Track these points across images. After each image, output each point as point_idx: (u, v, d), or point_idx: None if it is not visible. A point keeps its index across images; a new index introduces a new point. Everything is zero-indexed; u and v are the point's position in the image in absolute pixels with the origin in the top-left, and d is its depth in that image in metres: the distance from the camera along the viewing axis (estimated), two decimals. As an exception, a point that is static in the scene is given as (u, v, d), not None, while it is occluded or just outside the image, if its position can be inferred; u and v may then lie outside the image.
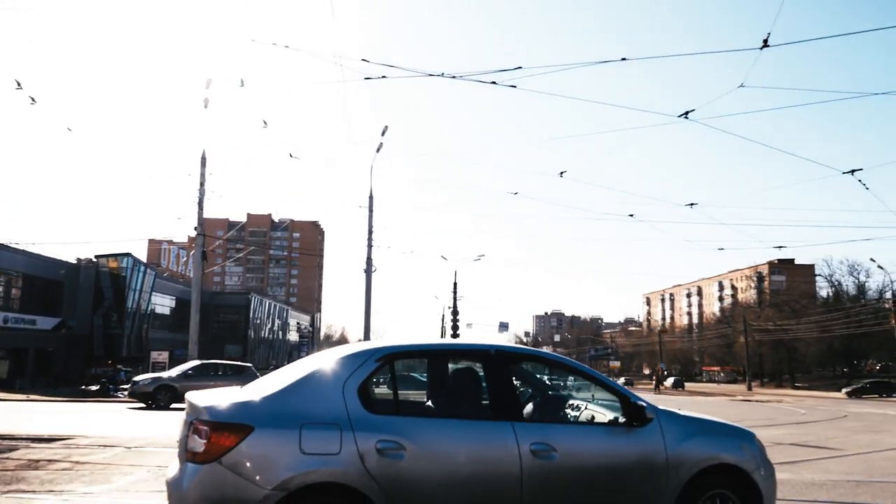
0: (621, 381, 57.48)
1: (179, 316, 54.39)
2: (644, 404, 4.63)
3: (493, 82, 11.02)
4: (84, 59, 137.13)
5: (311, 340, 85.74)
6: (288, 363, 6.62)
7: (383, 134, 31.81)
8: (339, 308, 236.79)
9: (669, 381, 66.19)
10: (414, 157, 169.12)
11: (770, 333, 64.76)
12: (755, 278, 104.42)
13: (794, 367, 69.11)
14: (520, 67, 10.31)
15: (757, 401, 40.67)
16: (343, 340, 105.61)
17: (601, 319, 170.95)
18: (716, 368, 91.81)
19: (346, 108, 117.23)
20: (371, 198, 32.76)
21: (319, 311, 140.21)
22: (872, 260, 75.04)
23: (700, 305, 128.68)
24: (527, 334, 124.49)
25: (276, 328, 70.25)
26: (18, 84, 16.06)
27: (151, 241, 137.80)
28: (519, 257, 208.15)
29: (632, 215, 21.06)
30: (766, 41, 9.99)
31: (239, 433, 3.89)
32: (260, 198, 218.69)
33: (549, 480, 4.27)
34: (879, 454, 11.24)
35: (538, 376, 5.65)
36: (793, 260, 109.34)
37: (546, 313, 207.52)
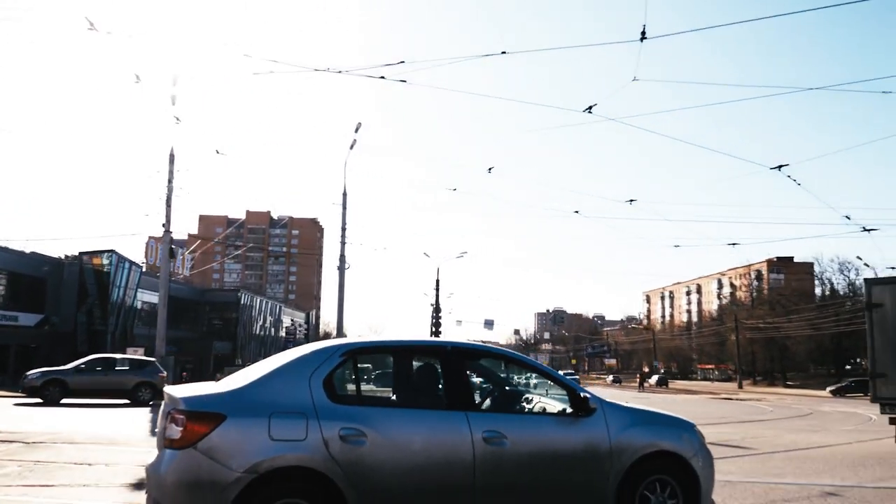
0: (572, 374, 58.23)
1: (168, 312, 54.61)
2: (588, 396, 5.05)
3: (382, 77, 11.27)
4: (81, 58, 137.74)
5: (308, 337, 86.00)
6: None
7: (356, 131, 31.87)
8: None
9: (654, 379, 66.15)
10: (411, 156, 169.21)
11: (761, 332, 64.60)
12: (752, 276, 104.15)
13: (785, 365, 68.87)
14: (403, 62, 10.41)
15: (738, 399, 40.70)
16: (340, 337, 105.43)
17: (602, 317, 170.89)
18: (710, 366, 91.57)
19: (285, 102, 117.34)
20: (345, 195, 32.75)
21: (319, 308, 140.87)
22: (859, 258, 74.51)
23: (699, 303, 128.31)
24: (516, 332, 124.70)
25: (268, 325, 70.47)
26: None
27: (152, 238, 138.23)
28: (519, 256, 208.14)
29: (577, 211, 21.05)
30: (643, 34, 9.96)
31: (212, 421, 4.21)
32: (262, 195, 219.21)
33: (500, 465, 4.66)
34: (785, 454, 11.27)
35: (497, 372, 6.11)
36: (791, 258, 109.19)
37: (548, 311, 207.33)
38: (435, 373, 5.15)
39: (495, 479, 4.64)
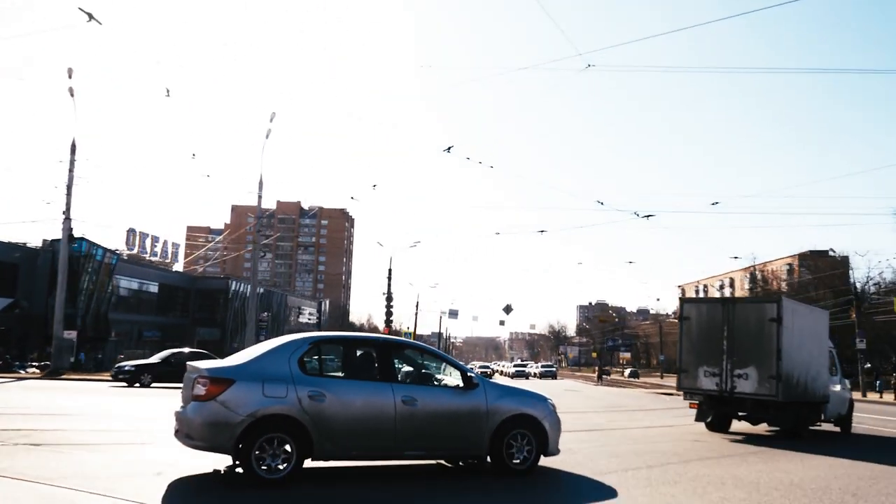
0: (549, 366, 67.19)
1: (145, 299, 56.48)
2: (472, 376, 7.62)
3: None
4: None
5: (319, 325, 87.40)
6: None
7: (271, 121, 32.22)
8: (365, 295, 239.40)
9: (627, 372, 64.33)
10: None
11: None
12: (784, 270, 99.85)
13: None
14: None
15: (666, 393, 37.47)
16: (369, 328, 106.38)
17: (640, 310, 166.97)
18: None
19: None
20: (261, 184, 33.18)
21: (349, 297, 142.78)
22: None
23: (732, 297, 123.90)
24: (532, 326, 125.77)
25: (266, 313, 71.56)
26: None
27: (190, 228, 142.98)
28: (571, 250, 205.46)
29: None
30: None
31: (226, 384, 6.50)
32: (309, 185, 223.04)
33: (412, 418, 7.08)
34: (607, 431, 13.85)
35: (417, 359, 8.34)
36: (826, 252, 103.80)
37: (590, 303, 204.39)
38: (371, 357, 7.58)
39: (409, 427, 7.08)
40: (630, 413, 19.10)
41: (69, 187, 27.95)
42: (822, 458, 10.51)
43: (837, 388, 15.46)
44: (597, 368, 52.39)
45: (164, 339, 52.65)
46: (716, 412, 13.88)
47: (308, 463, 6.77)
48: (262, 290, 75.35)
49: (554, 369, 70.92)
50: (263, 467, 6.44)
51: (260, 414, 6.44)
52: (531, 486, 7.10)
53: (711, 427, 14.13)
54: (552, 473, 7.84)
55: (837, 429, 15.81)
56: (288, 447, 6.56)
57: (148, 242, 55.90)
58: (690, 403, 14.29)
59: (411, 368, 8.02)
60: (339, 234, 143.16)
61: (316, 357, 7.37)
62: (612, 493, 6.84)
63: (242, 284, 67.96)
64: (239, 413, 6.38)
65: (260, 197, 32.50)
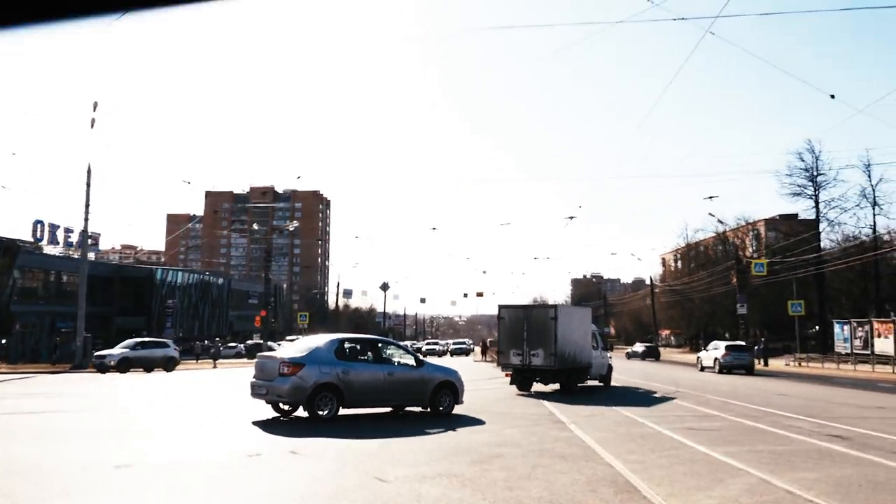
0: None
1: (58, 290, 56.83)
2: (422, 359, 14.14)
3: None
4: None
5: (276, 308, 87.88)
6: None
7: (94, 109, 31.99)
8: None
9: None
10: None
11: (677, 293, 61.72)
12: (751, 235, 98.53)
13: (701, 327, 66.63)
14: None
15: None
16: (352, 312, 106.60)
17: (635, 280, 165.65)
18: (666, 332, 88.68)
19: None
20: (89, 172, 33.05)
21: (326, 280, 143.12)
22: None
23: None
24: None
25: (200, 300, 71.83)
26: None
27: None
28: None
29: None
30: None
31: (300, 366, 11.64)
32: (302, 170, 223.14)
33: (392, 384, 12.66)
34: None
35: (395, 349, 14.17)
36: (796, 215, 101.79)
37: (585, 276, 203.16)
38: (369, 349, 13.19)
39: (390, 389, 12.67)
40: (479, 382, 23.35)
41: None
42: (585, 402, 17.26)
43: (598, 357, 22.36)
44: (481, 342, 52.65)
45: (84, 329, 53.09)
46: (521, 378, 20.25)
47: (341, 411, 12.02)
48: (198, 278, 75.85)
49: (468, 346, 74.57)
50: (320, 411, 11.62)
51: (319, 383, 11.66)
52: (447, 418, 12.80)
53: (520, 388, 20.25)
54: (458, 414, 13.30)
55: (602, 384, 22.73)
56: (332, 400, 11.80)
57: (60, 233, 56.07)
58: (506, 373, 21.16)
59: (390, 353, 13.54)
60: (314, 216, 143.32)
61: (344, 349, 12.63)
62: (482, 421, 12.37)
63: (172, 273, 68.25)
64: (308, 383, 11.56)
65: (88, 186, 32.30)
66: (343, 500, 6.12)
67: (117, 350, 32.55)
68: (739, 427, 12.15)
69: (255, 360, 13.21)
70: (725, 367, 33.53)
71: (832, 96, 57.15)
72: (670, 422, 12.68)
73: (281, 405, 12.33)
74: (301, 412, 12.12)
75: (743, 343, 37.87)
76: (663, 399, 18.33)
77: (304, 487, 6.60)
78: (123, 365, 30.77)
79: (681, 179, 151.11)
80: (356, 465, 7.78)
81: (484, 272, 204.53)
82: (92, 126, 31.83)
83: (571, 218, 45.92)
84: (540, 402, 16.88)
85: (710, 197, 56.24)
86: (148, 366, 32.21)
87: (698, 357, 38.84)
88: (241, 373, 32.72)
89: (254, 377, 12.36)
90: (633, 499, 6.27)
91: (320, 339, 12.84)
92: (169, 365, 33.31)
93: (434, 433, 10.79)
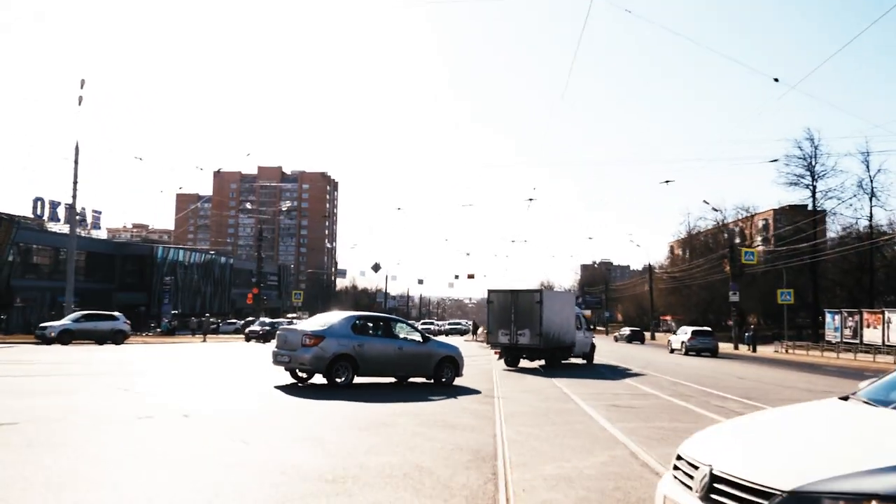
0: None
1: (56, 265, 57.56)
2: (428, 336, 15.44)
3: None
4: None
5: (280, 287, 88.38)
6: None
7: (82, 87, 32.30)
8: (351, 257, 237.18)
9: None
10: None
11: (677, 280, 61.32)
12: (760, 225, 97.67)
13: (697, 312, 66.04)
14: None
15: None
16: (354, 290, 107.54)
17: (645, 268, 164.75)
18: (669, 317, 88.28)
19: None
20: (77, 150, 33.41)
21: (334, 260, 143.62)
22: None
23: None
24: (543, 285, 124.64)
25: (203, 278, 72.52)
26: None
27: (180, 196, 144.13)
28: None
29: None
30: None
31: (321, 338, 13.08)
32: (309, 153, 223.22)
33: (402, 356, 14.23)
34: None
35: (405, 325, 15.73)
36: (806, 206, 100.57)
37: (593, 263, 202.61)
38: (381, 325, 14.66)
39: (400, 362, 14.23)
40: (473, 358, 24.42)
41: None
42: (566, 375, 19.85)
43: (582, 337, 24.49)
44: (472, 322, 53.36)
45: (83, 305, 53.83)
46: (509, 355, 22.20)
47: (356, 379, 13.53)
48: (201, 257, 76.57)
49: (464, 327, 77.99)
50: (337, 378, 13.03)
51: (337, 353, 13.04)
52: (449, 387, 14.34)
53: (508, 364, 22.23)
54: (459, 385, 14.79)
55: (584, 361, 24.91)
56: (349, 369, 13.19)
57: (61, 210, 56.73)
58: (495, 351, 23.19)
59: (399, 329, 14.96)
60: (321, 197, 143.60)
61: (359, 324, 14.02)
62: (478, 391, 13.79)
63: (173, 251, 68.92)
64: (328, 353, 12.94)
65: (76, 163, 32.67)
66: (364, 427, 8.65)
67: (59, 322, 32.29)
68: (665, 405, 12.28)
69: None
70: (692, 350, 36.32)
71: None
72: (602, 399, 13.02)
73: (299, 372, 13.80)
74: (319, 378, 13.72)
75: (708, 329, 40.43)
76: (624, 375, 19.42)
77: (340, 420, 9.21)
78: (65, 337, 30.33)
79: (683, 165, 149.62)
80: (368, 415, 9.83)
81: (507, 256, 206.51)
82: (79, 103, 32.14)
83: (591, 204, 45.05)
84: (524, 373, 19.63)
85: (666, 181, 51.85)
86: (99, 338, 32.06)
87: (668, 340, 41.75)
88: (219, 347, 33.81)
89: (276, 347, 13.78)
90: (480, 467, 6.39)
91: (338, 316, 14.36)
92: (118, 338, 33.00)
93: (437, 399, 12.18)
